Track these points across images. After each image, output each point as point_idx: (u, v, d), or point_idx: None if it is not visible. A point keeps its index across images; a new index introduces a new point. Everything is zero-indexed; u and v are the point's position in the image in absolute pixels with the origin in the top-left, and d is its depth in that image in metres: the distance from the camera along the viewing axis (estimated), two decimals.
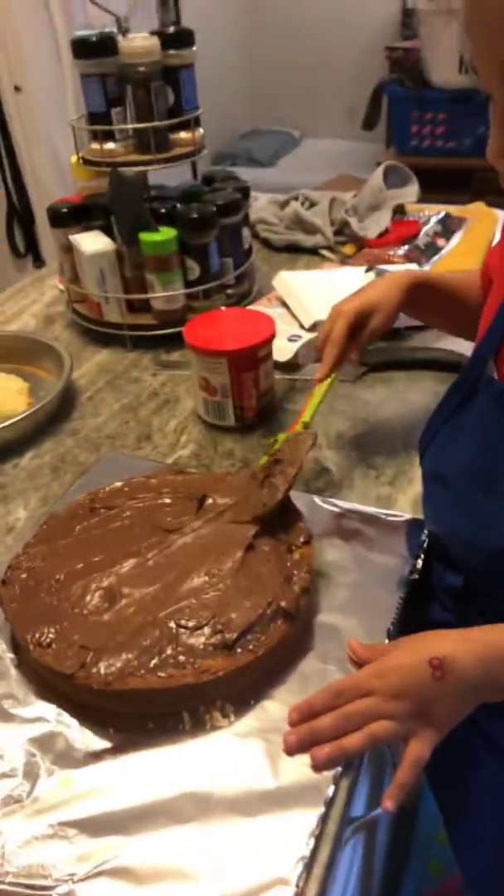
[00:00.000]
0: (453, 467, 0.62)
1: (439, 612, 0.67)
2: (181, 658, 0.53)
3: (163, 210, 1.01)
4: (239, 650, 0.54)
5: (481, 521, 0.57)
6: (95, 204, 1.05)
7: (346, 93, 3.70)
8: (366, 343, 0.76)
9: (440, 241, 1.30)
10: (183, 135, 1.01)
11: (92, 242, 1.02)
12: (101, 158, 0.99)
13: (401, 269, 1.12)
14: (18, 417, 0.84)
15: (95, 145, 0.99)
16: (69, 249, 1.07)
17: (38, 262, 2.59)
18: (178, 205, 1.02)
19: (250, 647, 0.54)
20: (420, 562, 0.66)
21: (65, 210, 1.06)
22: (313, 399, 0.76)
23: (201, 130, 1.03)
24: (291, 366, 0.96)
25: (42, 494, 0.79)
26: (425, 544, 0.68)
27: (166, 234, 0.98)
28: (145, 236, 0.98)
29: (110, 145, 0.99)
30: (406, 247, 1.24)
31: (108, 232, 1.04)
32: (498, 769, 0.63)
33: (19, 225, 2.53)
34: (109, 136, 0.98)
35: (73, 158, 1.09)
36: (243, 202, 1.06)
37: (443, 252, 1.26)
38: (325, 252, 1.32)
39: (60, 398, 0.91)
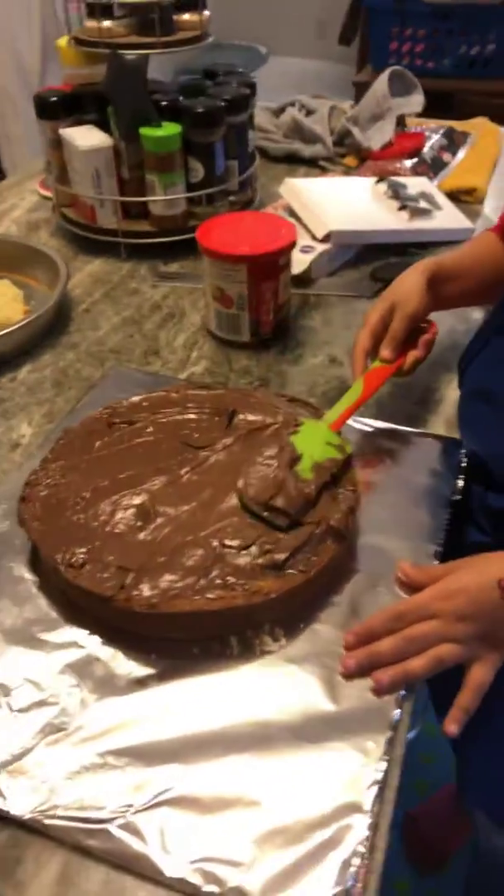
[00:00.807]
0: (502, 383, 0.59)
1: (476, 534, 0.64)
2: (230, 579, 0.49)
3: (165, 103, 0.92)
4: (289, 571, 0.50)
5: None
6: (88, 94, 0.95)
7: (316, 5, 3.49)
8: (387, 346, 0.66)
9: (446, 156, 1.23)
10: (187, 17, 0.91)
11: (86, 137, 0.92)
12: (97, 38, 0.88)
13: (411, 182, 1.06)
14: (13, 327, 0.77)
15: (91, 23, 0.89)
16: (58, 145, 0.97)
17: (0, 173, 2.41)
18: (182, 98, 0.93)
19: (301, 567, 0.50)
20: (461, 481, 0.63)
21: (54, 99, 0.95)
22: (345, 398, 0.65)
23: (207, 12, 0.93)
24: (304, 279, 0.90)
25: (46, 410, 0.73)
26: (464, 462, 0.65)
27: (170, 129, 0.90)
28: (147, 131, 0.90)
29: (108, 24, 0.88)
30: (414, 160, 1.17)
31: (102, 127, 0.94)
32: None
33: None
34: (108, 12, 0.88)
35: (63, 40, 0.97)
36: (251, 99, 0.97)
37: (450, 167, 1.20)
38: (324, 163, 1.25)
39: (57, 308, 0.84)
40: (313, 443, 0.59)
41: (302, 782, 0.42)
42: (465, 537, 0.65)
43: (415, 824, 1.14)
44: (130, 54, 0.87)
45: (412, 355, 0.67)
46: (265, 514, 0.53)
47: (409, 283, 0.68)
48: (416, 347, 0.67)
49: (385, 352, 0.67)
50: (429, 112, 1.34)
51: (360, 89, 2.51)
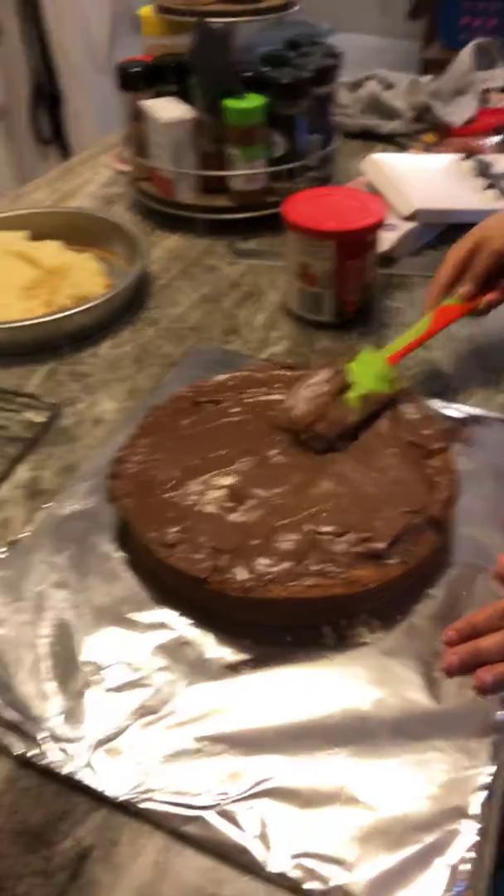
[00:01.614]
0: None
1: None
2: (326, 567, 0.47)
3: (248, 74, 0.89)
4: (389, 561, 0.48)
5: None
6: (170, 65, 0.93)
7: None
8: (467, 286, 0.65)
9: None
10: None
11: (168, 109, 0.90)
12: (184, 6, 0.86)
13: (498, 160, 1.01)
14: (96, 302, 0.76)
15: None
16: (138, 117, 0.95)
17: (65, 150, 2.42)
18: (266, 69, 0.90)
19: (401, 558, 0.48)
20: None
21: (135, 70, 0.93)
22: (408, 334, 0.66)
23: None
24: (387, 259, 0.87)
25: (129, 387, 0.72)
26: None
27: (254, 100, 0.87)
28: (230, 103, 0.87)
29: None
30: (500, 136, 1.12)
31: (183, 99, 0.92)
32: None
33: (45, 108, 2.35)
34: None
35: (146, 9, 0.95)
36: (336, 70, 0.94)
37: None
38: (402, 140, 1.20)
39: (136, 283, 0.83)
40: (368, 373, 0.60)
41: (404, 781, 0.41)
42: None
43: None
44: (217, 22, 0.85)
45: (488, 297, 0.65)
46: (303, 435, 0.56)
47: (499, 220, 0.65)
48: (494, 290, 0.65)
49: (463, 288, 0.64)
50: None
51: (431, 66, 2.43)
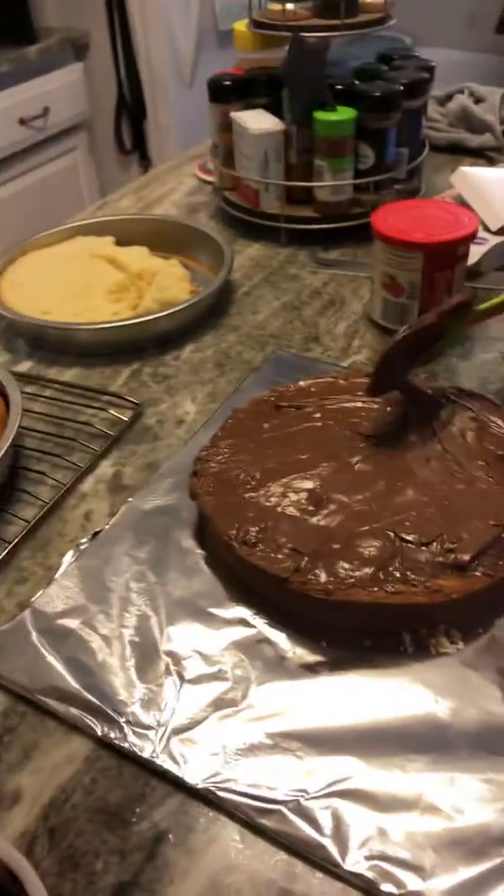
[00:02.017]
0: None
1: None
2: (409, 574, 0.47)
3: (340, 87, 0.90)
4: (475, 572, 0.48)
5: None
6: (260, 78, 0.95)
7: None
8: None
9: None
10: None
11: (258, 121, 0.92)
12: (280, 21, 0.88)
13: None
14: (181, 307, 0.78)
15: (274, 6, 0.88)
16: (228, 129, 0.97)
17: (145, 160, 2.49)
18: (357, 82, 0.91)
19: (487, 570, 0.48)
20: None
21: (227, 83, 0.96)
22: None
23: None
24: (474, 272, 0.86)
25: (210, 390, 0.73)
26: None
27: (345, 113, 0.88)
28: (321, 115, 0.88)
29: (291, 6, 0.87)
30: None
31: (272, 111, 0.94)
32: None
33: (128, 119, 2.42)
34: None
35: (240, 24, 0.98)
36: (429, 84, 0.94)
37: None
38: (492, 153, 1.19)
39: (220, 290, 0.84)
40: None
41: (484, 793, 0.40)
42: None
43: None
44: (312, 37, 0.86)
45: None
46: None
47: None
48: None
49: None
50: None
51: None
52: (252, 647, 0.48)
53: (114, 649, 0.48)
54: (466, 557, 0.48)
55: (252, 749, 0.43)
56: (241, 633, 0.49)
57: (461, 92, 1.27)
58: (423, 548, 0.49)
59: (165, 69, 2.31)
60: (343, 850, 0.38)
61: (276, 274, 0.93)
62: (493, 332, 0.79)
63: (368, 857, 0.38)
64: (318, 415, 0.62)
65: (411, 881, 0.37)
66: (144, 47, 2.27)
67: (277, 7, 0.88)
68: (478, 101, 1.26)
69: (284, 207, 0.96)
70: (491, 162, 1.17)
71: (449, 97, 1.28)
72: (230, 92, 0.96)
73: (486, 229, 0.89)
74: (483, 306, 0.65)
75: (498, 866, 0.37)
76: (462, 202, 0.95)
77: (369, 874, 0.37)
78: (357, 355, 0.77)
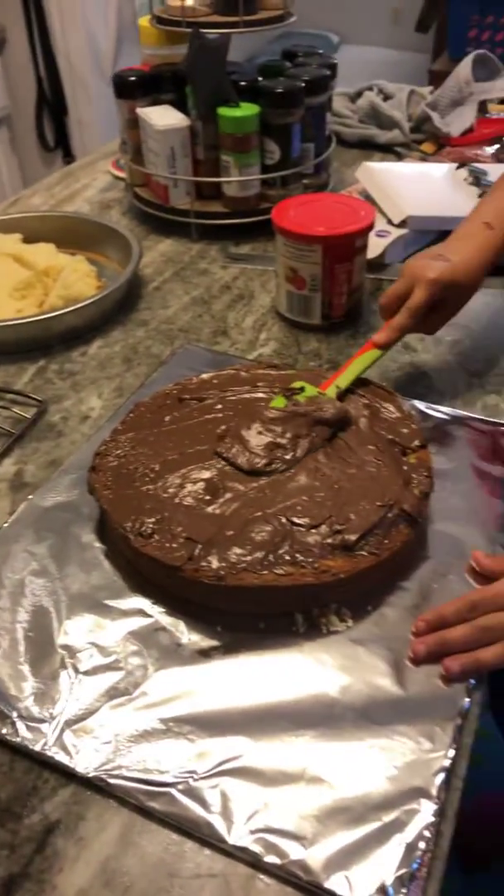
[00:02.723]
0: None
1: None
2: (299, 556, 0.49)
3: (243, 83, 0.91)
4: (361, 552, 0.49)
5: None
6: (166, 73, 0.95)
7: None
8: (439, 326, 0.68)
9: None
10: None
11: (163, 117, 0.92)
12: (180, 17, 0.89)
13: (492, 169, 1.03)
14: (86, 302, 0.78)
15: (174, 2, 0.89)
16: (134, 125, 0.97)
17: (68, 157, 2.45)
18: (260, 79, 0.92)
19: (373, 549, 0.49)
20: None
21: (132, 78, 0.96)
22: (358, 362, 0.64)
23: None
24: (378, 264, 0.88)
25: (116, 385, 0.73)
26: None
27: (248, 109, 0.89)
28: (225, 111, 0.89)
29: (190, 2, 0.88)
30: (496, 146, 1.14)
31: (178, 107, 0.95)
32: None
33: (49, 116, 2.39)
34: None
35: (144, 20, 0.98)
36: (331, 80, 0.96)
37: None
38: (400, 149, 1.22)
39: (128, 285, 0.84)
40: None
41: (367, 763, 0.41)
42: None
43: (462, 822, 1.12)
44: (212, 33, 0.87)
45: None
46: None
47: (483, 261, 0.65)
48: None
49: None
50: None
51: (435, 78, 2.46)
52: (148, 637, 0.48)
53: (8, 646, 0.48)
54: (353, 538, 0.49)
55: (144, 735, 0.43)
56: (137, 623, 0.49)
57: (370, 89, 1.29)
58: (313, 531, 0.50)
59: (85, 65, 2.28)
60: (229, 826, 0.39)
61: (187, 269, 0.93)
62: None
63: (254, 831, 0.39)
64: (219, 406, 0.62)
65: (294, 850, 0.38)
66: (62, 43, 2.24)
67: (177, 3, 0.88)
68: (387, 97, 1.29)
69: (194, 203, 0.97)
70: (399, 157, 1.20)
71: (359, 94, 1.30)
72: (136, 88, 0.96)
73: (390, 222, 0.91)
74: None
75: (376, 830, 0.38)
76: (367, 196, 0.97)
77: (254, 847, 0.38)
78: (264, 348, 0.78)
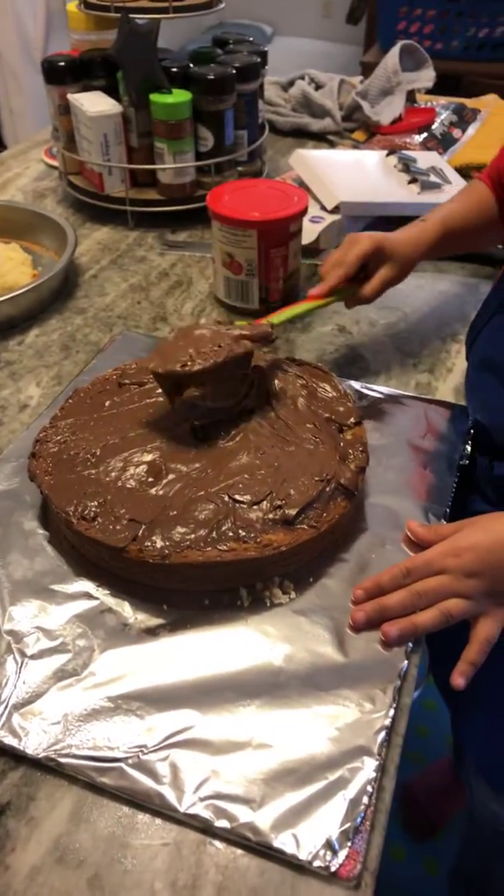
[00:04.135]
0: None
1: (481, 503, 0.65)
2: (241, 532, 0.50)
3: (175, 70, 0.91)
4: (300, 525, 0.51)
5: None
6: (97, 59, 0.94)
7: None
8: (375, 288, 0.68)
9: (456, 132, 1.23)
10: None
11: (95, 103, 0.92)
12: (108, 2, 0.88)
13: (421, 156, 1.06)
14: (21, 290, 0.77)
15: None
16: (66, 111, 0.96)
17: (2, 147, 2.40)
18: (192, 65, 0.92)
19: (312, 522, 0.51)
20: (469, 447, 0.64)
21: (62, 64, 0.94)
22: (293, 308, 0.69)
23: None
24: (312, 250, 0.90)
25: (55, 373, 0.73)
26: (471, 431, 0.65)
27: (180, 96, 0.89)
28: (157, 98, 0.89)
29: None
30: (424, 135, 1.17)
31: (110, 94, 0.94)
32: None
33: None
34: None
35: (72, 5, 0.97)
36: (261, 68, 0.97)
37: (460, 143, 1.20)
38: (332, 137, 1.24)
39: (64, 273, 0.84)
40: None
41: (312, 727, 0.43)
42: (470, 507, 0.66)
43: (410, 793, 1.15)
44: (142, 18, 0.86)
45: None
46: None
47: (407, 243, 0.69)
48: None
49: (369, 296, 0.69)
50: (437, 93, 1.33)
51: (367, 69, 2.49)
52: (95, 618, 0.49)
53: None
54: (293, 512, 0.51)
55: (93, 714, 0.43)
56: (83, 606, 0.50)
57: (302, 78, 1.31)
58: (255, 507, 0.51)
59: (14, 52, 2.23)
60: (180, 796, 0.40)
61: (125, 256, 0.93)
62: (332, 307, 0.82)
63: (203, 798, 0.40)
64: (159, 390, 0.63)
65: (243, 813, 0.39)
66: None
67: None
68: (318, 87, 1.30)
69: (129, 190, 0.96)
70: (332, 145, 1.22)
71: (291, 83, 1.31)
72: (66, 73, 0.95)
73: (323, 208, 0.93)
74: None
75: (322, 789, 0.40)
76: (301, 183, 0.99)
77: (204, 813, 0.39)
78: None
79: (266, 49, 1.00)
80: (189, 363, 0.55)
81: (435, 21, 2.55)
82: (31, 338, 0.78)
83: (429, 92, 1.33)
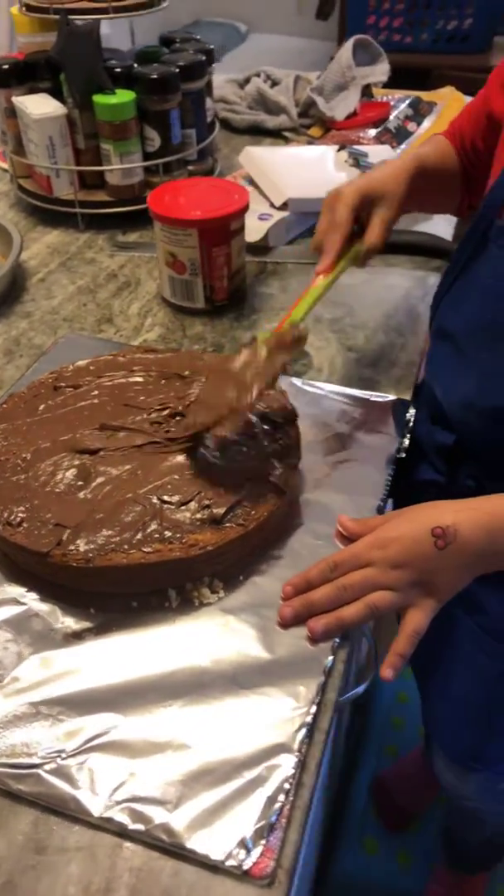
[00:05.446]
0: (460, 323, 0.59)
1: (428, 471, 0.65)
2: (167, 533, 0.49)
3: (118, 70, 0.91)
4: (228, 524, 0.50)
5: (481, 378, 0.55)
6: (41, 62, 0.94)
7: None
8: (379, 233, 0.63)
9: (411, 125, 1.23)
10: None
11: (39, 105, 0.91)
12: (47, 4, 0.87)
13: (373, 150, 1.06)
14: None
15: None
16: (13, 114, 0.96)
17: None
18: (136, 65, 0.92)
19: (240, 521, 0.51)
20: (407, 441, 0.64)
21: (6, 67, 0.94)
22: (309, 295, 0.63)
23: None
24: (261, 247, 0.90)
25: None
26: (411, 424, 0.65)
27: (123, 96, 0.89)
28: (100, 99, 0.89)
29: None
30: (377, 129, 1.17)
31: (56, 96, 0.93)
32: (474, 627, 0.63)
33: None
34: None
35: (15, 8, 0.96)
36: (207, 66, 0.97)
37: (414, 136, 1.20)
38: (288, 134, 1.24)
39: (10, 278, 0.83)
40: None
41: (232, 726, 0.43)
42: (418, 475, 0.65)
43: (384, 784, 1.16)
44: (81, 19, 0.86)
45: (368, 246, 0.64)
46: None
47: (395, 175, 0.64)
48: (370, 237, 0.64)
49: (375, 241, 0.63)
50: (406, 87, 1.33)
51: None
52: (21, 623, 0.49)
53: None
54: (220, 511, 0.50)
55: (14, 720, 0.43)
56: (11, 611, 0.49)
57: (258, 75, 1.30)
58: (182, 507, 0.51)
59: None
60: (95, 800, 0.39)
61: (74, 259, 0.92)
62: (280, 303, 0.83)
63: (119, 801, 0.39)
64: (94, 392, 0.62)
65: (158, 815, 0.39)
66: None
67: None
68: (274, 83, 1.30)
69: (78, 192, 0.96)
70: (288, 141, 1.22)
71: (247, 80, 1.31)
72: (10, 76, 0.95)
73: (272, 205, 0.93)
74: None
75: (239, 787, 0.40)
76: (251, 180, 0.98)
77: (119, 817, 0.39)
78: (149, 333, 0.79)
79: (212, 47, 1.00)
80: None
81: (404, 14, 2.55)
82: None
83: (388, 86, 1.33)
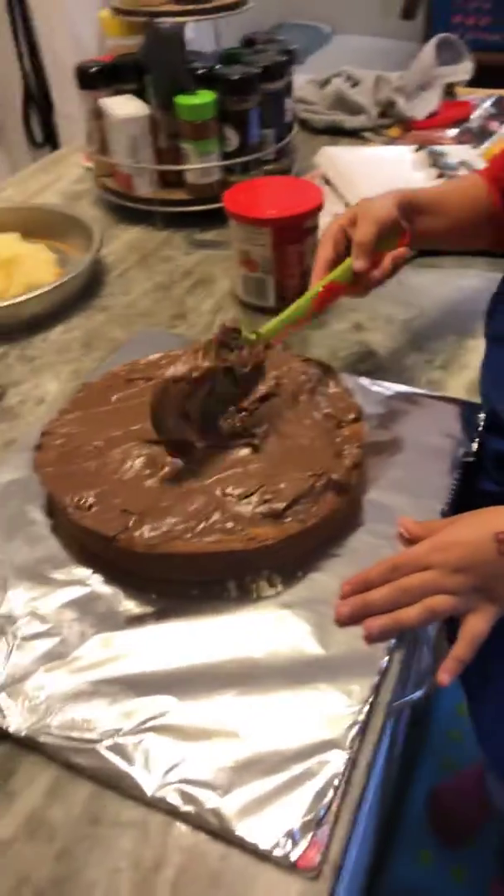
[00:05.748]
0: None
1: (487, 482, 0.64)
2: (228, 524, 0.50)
3: (201, 71, 0.92)
4: (288, 520, 0.51)
5: None
6: (128, 64, 0.96)
7: None
8: (357, 254, 0.61)
9: (493, 125, 1.20)
10: None
11: (123, 107, 0.94)
12: (135, 7, 0.90)
13: (453, 150, 1.04)
14: (47, 288, 0.79)
15: None
16: (98, 115, 0.99)
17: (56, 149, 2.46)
18: (218, 66, 0.93)
19: (300, 517, 0.51)
20: (476, 444, 0.63)
21: (94, 69, 0.97)
22: (283, 313, 0.62)
23: None
24: None
25: (74, 368, 0.75)
26: (480, 427, 0.64)
27: (204, 96, 0.90)
28: (182, 99, 0.90)
29: None
30: (457, 129, 1.15)
31: (141, 97, 0.96)
32: None
33: (37, 112, 2.40)
34: None
35: (104, 12, 0.99)
36: (288, 66, 0.97)
37: (497, 135, 1.17)
38: (367, 134, 1.23)
39: (90, 272, 0.86)
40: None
41: (284, 718, 0.43)
42: (476, 486, 0.64)
43: (440, 799, 1.14)
44: (167, 22, 0.88)
45: (371, 276, 0.63)
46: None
47: (377, 200, 0.64)
48: (375, 268, 0.63)
49: (357, 262, 0.60)
50: (491, 86, 1.31)
51: None
52: (86, 605, 0.50)
53: None
54: (281, 506, 0.51)
55: (75, 696, 0.45)
56: (77, 592, 0.51)
57: (338, 76, 1.30)
58: (244, 500, 0.52)
59: (70, 60, 2.29)
60: (149, 779, 0.41)
61: (151, 256, 0.95)
62: (350, 304, 0.82)
63: (172, 783, 0.40)
64: None
65: (209, 799, 0.40)
66: (46, 37, 2.25)
67: None
68: (355, 84, 1.29)
69: (158, 191, 0.98)
70: (367, 142, 1.21)
71: (327, 81, 1.31)
72: (97, 78, 0.98)
73: (348, 205, 0.92)
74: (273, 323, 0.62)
75: (289, 779, 0.40)
76: (328, 180, 0.98)
77: (172, 797, 0.40)
78: None
79: (294, 48, 1.00)
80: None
81: (491, 13, 2.50)
82: (55, 335, 0.81)
83: (472, 84, 1.30)
